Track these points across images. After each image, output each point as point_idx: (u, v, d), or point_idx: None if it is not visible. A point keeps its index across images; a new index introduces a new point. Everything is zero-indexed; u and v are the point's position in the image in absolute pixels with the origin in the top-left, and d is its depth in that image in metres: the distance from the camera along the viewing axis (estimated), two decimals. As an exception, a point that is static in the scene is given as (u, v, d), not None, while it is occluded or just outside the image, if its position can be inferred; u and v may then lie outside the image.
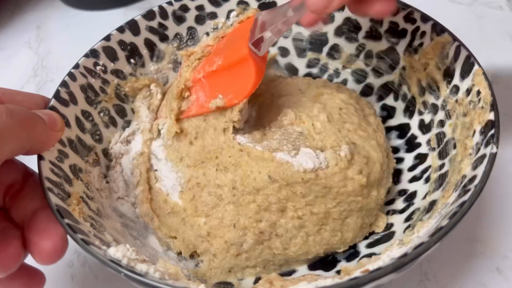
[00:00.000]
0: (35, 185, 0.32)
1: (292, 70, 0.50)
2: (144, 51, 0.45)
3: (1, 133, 0.27)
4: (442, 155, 0.38)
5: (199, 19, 0.47)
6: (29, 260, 0.31)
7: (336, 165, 0.35)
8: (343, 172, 0.35)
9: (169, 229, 0.39)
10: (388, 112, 0.45)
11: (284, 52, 0.49)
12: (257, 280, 0.37)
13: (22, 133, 0.29)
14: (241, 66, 0.36)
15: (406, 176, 0.41)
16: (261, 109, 0.44)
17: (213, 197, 0.37)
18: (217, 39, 0.42)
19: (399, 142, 0.43)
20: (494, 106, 0.32)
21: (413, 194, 0.39)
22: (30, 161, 0.33)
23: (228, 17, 0.47)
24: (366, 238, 0.38)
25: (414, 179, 0.40)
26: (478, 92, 0.34)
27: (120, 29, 0.44)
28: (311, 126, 0.38)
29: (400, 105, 0.44)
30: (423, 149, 0.41)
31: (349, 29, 0.45)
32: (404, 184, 0.41)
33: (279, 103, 0.42)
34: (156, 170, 0.42)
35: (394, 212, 0.39)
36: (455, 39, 0.37)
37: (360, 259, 0.36)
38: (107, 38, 0.43)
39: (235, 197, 0.36)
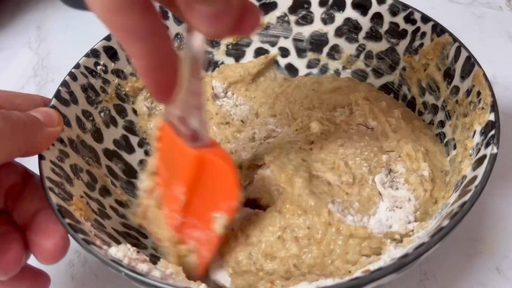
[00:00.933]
0: (35, 186, 0.32)
1: (292, 70, 0.50)
2: (145, 51, 0.45)
3: None
4: (442, 155, 0.38)
5: (200, 19, 0.47)
6: (34, 261, 0.31)
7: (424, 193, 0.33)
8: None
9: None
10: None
11: (284, 52, 0.49)
12: None
13: (17, 137, 0.29)
14: (204, 170, 0.29)
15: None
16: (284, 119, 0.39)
17: None
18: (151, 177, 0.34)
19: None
20: (494, 107, 0.32)
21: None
22: (30, 161, 0.33)
23: (228, 17, 0.47)
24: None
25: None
26: (478, 93, 0.34)
27: (121, 29, 0.44)
28: (385, 121, 0.34)
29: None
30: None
31: (349, 29, 0.46)
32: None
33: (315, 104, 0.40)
34: None
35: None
36: (455, 39, 0.37)
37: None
38: (108, 38, 0.43)
39: None
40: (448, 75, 0.38)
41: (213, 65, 0.49)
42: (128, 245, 0.31)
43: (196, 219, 0.32)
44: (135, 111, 0.45)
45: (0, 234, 0.30)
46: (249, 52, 0.49)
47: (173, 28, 0.46)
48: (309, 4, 0.46)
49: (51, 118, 0.34)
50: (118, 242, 0.33)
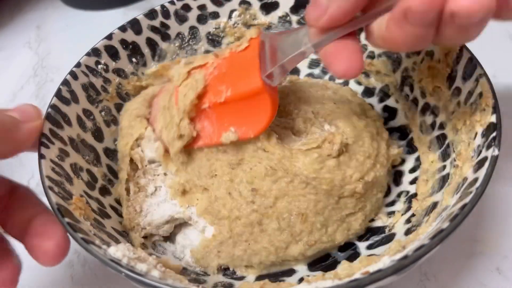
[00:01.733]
0: (25, 195, 0.32)
1: (293, 70, 0.50)
2: (146, 50, 0.45)
3: None
4: (443, 157, 0.38)
5: (201, 19, 0.47)
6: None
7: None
8: None
9: None
10: (390, 114, 0.45)
11: (285, 52, 0.49)
12: (257, 278, 0.37)
13: None
14: (255, 99, 0.34)
15: (407, 177, 0.41)
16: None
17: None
18: (217, 58, 0.38)
19: (400, 144, 0.43)
20: (495, 109, 0.32)
21: (414, 196, 0.39)
22: (31, 162, 0.33)
23: (230, 16, 0.47)
24: (366, 239, 0.38)
25: (415, 181, 0.40)
26: (480, 94, 0.34)
27: (122, 28, 0.44)
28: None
29: (401, 107, 0.44)
30: (424, 151, 0.41)
31: (351, 30, 0.45)
32: (405, 186, 0.41)
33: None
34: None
35: (395, 213, 0.39)
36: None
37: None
38: (109, 37, 0.43)
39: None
40: (450, 76, 0.38)
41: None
42: (128, 245, 0.31)
43: (216, 118, 0.36)
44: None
45: None
46: (250, 52, 0.49)
47: (175, 27, 0.46)
48: (311, 4, 0.46)
49: (28, 114, 0.32)
50: (118, 242, 0.33)
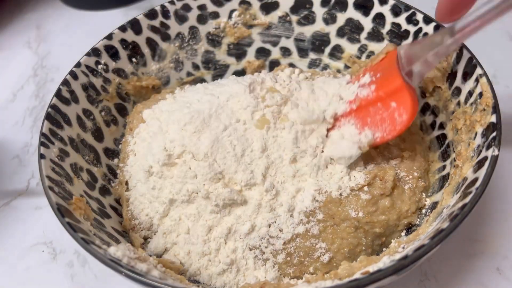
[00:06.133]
0: None
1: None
2: (146, 50, 0.45)
3: None
4: (443, 157, 0.38)
5: (201, 19, 0.47)
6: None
7: None
8: None
9: None
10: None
11: (286, 52, 0.49)
12: None
13: None
14: (396, 97, 0.34)
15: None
16: None
17: None
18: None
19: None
20: (496, 109, 0.32)
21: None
22: (31, 162, 0.33)
23: (230, 16, 0.47)
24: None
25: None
26: (480, 94, 0.34)
27: (122, 28, 0.44)
28: None
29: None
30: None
31: (351, 29, 0.45)
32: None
33: None
34: None
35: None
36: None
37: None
38: (109, 36, 0.43)
39: None
40: (450, 76, 0.38)
41: (214, 64, 0.49)
42: (128, 245, 0.31)
43: (355, 115, 0.36)
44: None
45: None
46: (251, 51, 0.49)
47: (175, 27, 0.46)
48: (311, 4, 0.46)
49: None
50: (118, 242, 0.33)
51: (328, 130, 0.37)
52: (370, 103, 0.35)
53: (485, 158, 0.30)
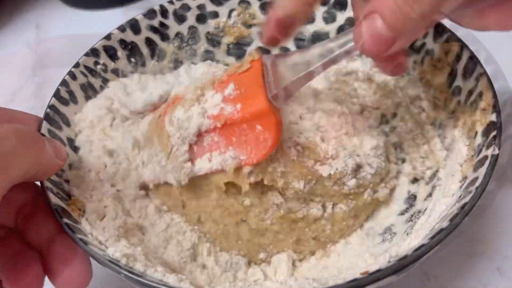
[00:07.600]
0: (46, 206, 0.30)
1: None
2: (145, 50, 0.45)
3: (10, 156, 0.24)
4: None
5: (200, 18, 0.47)
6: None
7: None
8: None
9: None
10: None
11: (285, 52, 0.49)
12: None
13: (30, 158, 0.26)
14: (261, 121, 0.32)
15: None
16: None
17: None
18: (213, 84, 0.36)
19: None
20: (496, 108, 0.32)
21: (414, 196, 0.39)
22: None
23: (229, 16, 0.47)
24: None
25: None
26: (481, 93, 0.34)
27: (121, 28, 0.43)
28: None
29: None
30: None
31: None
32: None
33: None
34: None
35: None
36: (457, 39, 0.37)
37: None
38: (108, 37, 0.43)
39: None
40: (450, 75, 0.38)
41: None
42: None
43: (221, 135, 0.33)
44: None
45: (16, 253, 0.29)
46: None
47: (174, 27, 0.46)
48: (310, 3, 0.46)
49: (60, 150, 0.30)
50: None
51: (190, 146, 0.34)
52: (235, 122, 0.33)
53: (485, 157, 0.30)
